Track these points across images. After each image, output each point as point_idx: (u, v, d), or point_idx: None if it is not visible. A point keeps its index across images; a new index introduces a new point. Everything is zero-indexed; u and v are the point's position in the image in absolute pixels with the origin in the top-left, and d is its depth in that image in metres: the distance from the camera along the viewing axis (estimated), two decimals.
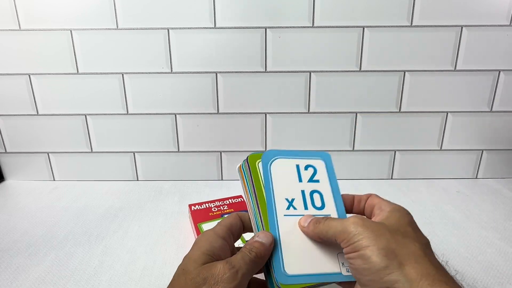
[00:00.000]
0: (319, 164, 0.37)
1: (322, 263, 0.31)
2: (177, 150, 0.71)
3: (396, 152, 0.71)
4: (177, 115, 0.69)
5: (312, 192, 0.35)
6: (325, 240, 0.31)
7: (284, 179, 0.35)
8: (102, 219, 0.58)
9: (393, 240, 0.27)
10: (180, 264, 0.29)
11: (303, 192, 0.35)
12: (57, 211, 0.61)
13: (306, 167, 0.36)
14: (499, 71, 0.66)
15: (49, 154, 0.71)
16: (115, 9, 0.62)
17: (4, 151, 0.71)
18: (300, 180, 0.36)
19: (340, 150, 0.71)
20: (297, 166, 0.36)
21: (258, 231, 0.32)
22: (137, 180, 0.73)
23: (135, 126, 0.69)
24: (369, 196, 0.34)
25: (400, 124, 0.69)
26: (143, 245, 0.51)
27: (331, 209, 0.34)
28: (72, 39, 0.64)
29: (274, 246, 0.31)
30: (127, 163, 0.72)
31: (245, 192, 0.35)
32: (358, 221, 0.28)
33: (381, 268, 0.25)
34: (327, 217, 0.31)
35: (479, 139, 0.70)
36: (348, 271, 0.30)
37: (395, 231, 0.28)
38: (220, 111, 0.69)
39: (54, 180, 0.73)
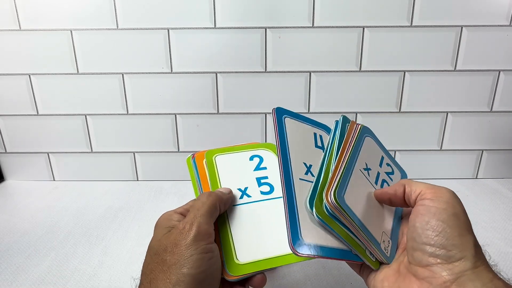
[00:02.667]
0: (397, 172, 0.38)
1: (371, 223, 0.30)
2: (177, 150, 0.71)
3: (396, 152, 0.71)
4: (177, 115, 0.69)
5: (384, 181, 0.35)
6: (406, 192, 0.29)
7: (369, 154, 0.35)
8: (102, 219, 0.58)
9: (472, 230, 0.27)
10: (148, 249, 0.29)
11: (378, 174, 0.35)
12: (57, 211, 0.61)
13: (388, 164, 0.37)
14: (499, 71, 0.66)
15: (49, 154, 0.71)
16: (115, 9, 0.62)
17: (4, 151, 0.71)
18: (381, 166, 0.36)
19: None
20: (382, 157, 0.37)
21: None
22: (137, 180, 0.73)
23: (135, 126, 0.69)
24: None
25: (400, 124, 0.69)
26: (143, 245, 0.51)
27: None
28: (72, 39, 0.64)
29: (345, 172, 0.30)
30: (127, 163, 0.72)
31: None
32: (454, 194, 0.28)
33: (459, 234, 0.25)
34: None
35: (479, 139, 0.70)
36: (385, 250, 0.30)
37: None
38: (220, 111, 0.69)
39: (54, 180, 0.73)
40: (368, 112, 0.69)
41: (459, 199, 0.27)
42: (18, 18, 0.62)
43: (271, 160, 0.37)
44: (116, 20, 0.63)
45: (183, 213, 0.31)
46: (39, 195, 0.67)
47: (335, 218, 0.29)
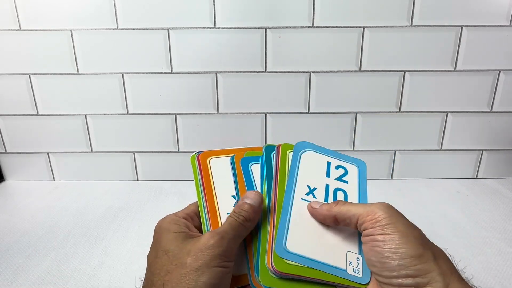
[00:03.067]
0: (352, 169, 0.36)
1: (328, 254, 0.29)
2: (177, 150, 0.71)
3: (396, 152, 0.71)
4: (177, 115, 0.69)
5: (336, 189, 0.34)
6: (341, 220, 0.29)
7: (312, 169, 0.35)
8: (102, 219, 0.58)
9: (424, 235, 0.27)
10: (152, 251, 0.29)
11: (327, 186, 0.34)
12: (57, 211, 0.61)
13: (337, 167, 0.36)
14: (499, 71, 0.66)
15: (49, 154, 0.71)
16: (115, 9, 0.62)
17: (4, 151, 0.71)
18: (328, 176, 0.35)
19: (340, 150, 0.71)
20: (328, 164, 0.36)
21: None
22: (137, 180, 0.73)
23: (135, 126, 0.69)
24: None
25: (400, 124, 0.69)
26: (143, 245, 0.51)
27: None
28: (72, 39, 0.64)
29: (280, 220, 0.30)
30: (127, 163, 0.72)
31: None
32: (388, 207, 0.27)
33: (416, 255, 0.25)
34: (346, 201, 0.30)
35: (479, 139, 0.70)
36: (355, 271, 0.28)
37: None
38: (220, 111, 0.69)
39: (54, 180, 0.73)
40: (368, 112, 0.69)
41: (396, 210, 0.28)
42: (18, 18, 0.62)
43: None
44: (116, 20, 0.63)
45: (186, 218, 0.31)
46: (39, 195, 0.67)
47: (289, 279, 0.28)
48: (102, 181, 0.73)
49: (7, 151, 0.71)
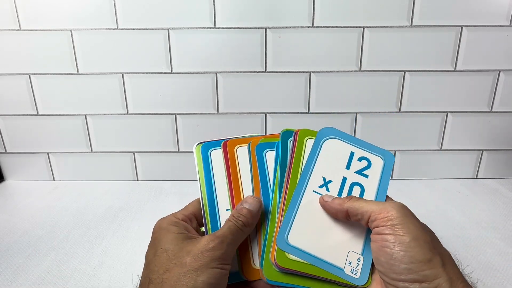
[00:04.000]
0: (377, 161, 0.34)
1: (328, 251, 0.29)
2: (177, 150, 0.71)
3: (396, 152, 0.71)
4: (177, 115, 0.69)
5: (353, 184, 0.32)
6: (353, 216, 0.28)
7: (331, 159, 0.33)
8: (102, 219, 0.58)
9: (435, 238, 0.26)
10: (151, 249, 0.29)
11: (344, 179, 0.32)
12: (57, 211, 0.61)
13: (361, 159, 0.33)
14: (499, 71, 0.66)
15: (49, 154, 0.71)
16: (115, 9, 0.62)
17: (4, 151, 0.71)
18: (348, 168, 0.33)
19: None
20: (351, 154, 0.34)
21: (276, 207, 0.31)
22: (137, 180, 0.73)
23: (135, 126, 0.69)
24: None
25: (400, 124, 0.69)
26: (143, 245, 0.51)
27: None
28: (72, 39, 0.64)
29: (287, 212, 0.30)
30: (127, 163, 0.72)
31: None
32: (402, 207, 0.27)
33: (425, 260, 0.24)
34: (360, 197, 0.30)
35: (479, 139, 0.70)
36: (352, 272, 0.28)
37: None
38: (220, 111, 0.69)
39: (54, 180, 0.73)
40: (368, 112, 0.69)
41: (409, 211, 0.27)
42: (18, 18, 0.62)
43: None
44: (116, 20, 0.63)
45: (185, 220, 0.31)
46: (39, 195, 0.67)
47: (289, 273, 0.28)
48: (102, 181, 0.73)
49: (7, 151, 0.71)
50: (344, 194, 0.31)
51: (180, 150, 0.71)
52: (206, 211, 0.32)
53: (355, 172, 0.33)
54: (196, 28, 0.63)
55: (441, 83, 0.66)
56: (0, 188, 0.70)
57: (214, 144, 0.35)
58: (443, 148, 0.71)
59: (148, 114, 0.69)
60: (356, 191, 0.32)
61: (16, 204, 0.64)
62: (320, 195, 0.31)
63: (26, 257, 0.48)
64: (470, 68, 0.65)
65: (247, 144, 0.34)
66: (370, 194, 0.32)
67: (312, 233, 0.29)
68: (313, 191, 0.31)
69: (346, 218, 0.29)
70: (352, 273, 0.28)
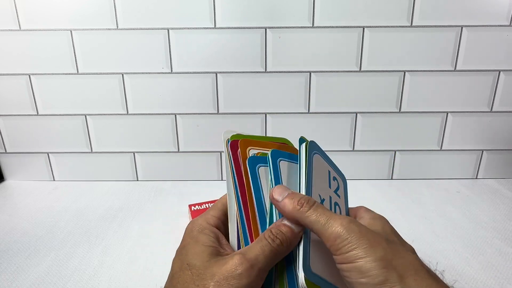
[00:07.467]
0: (340, 182, 0.34)
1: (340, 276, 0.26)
2: (177, 150, 0.71)
3: (396, 152, 0.71)
4: (177, 115, 0.69)
5: (335, 204, 0.31)
6: (304, 225, 0.26)
7: (320, 177, 0.30)
8: (102, 219, 0.58)
9: (389, 250, 0.24)
10: (178, 259, 0.27)
11: (330, 198, 0.30)
12: (57, 211, 0.61)
13: (334, 178, 0.33)
14: (499, 71, 0.66)
15: (49, 154, 0.71)
16: (115, 9, 0.62)
17: (4, 151, 0.71)
18: (330, 187, 0.31)
19: (340, 150, 0.71)
20: (329, 172, 0.32)
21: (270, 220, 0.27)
22: (137, 180, 0.73)
23: (135, 126, 0.69)
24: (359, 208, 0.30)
25: (400, 124, 0.69)
26: (143, 245, 0.51)
27: None
28: (72, 39, 0.64)
29: (303, 237, 0.26)
30: (127, 163, 0.72)
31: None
32: (351, 226, 0.24)
33: (380, 281, 0.22)
34: (318, 204, 0.26)
35: (479, 139, 0.70)
36: None
37: (387, 239, 0.25)
38: (220, 111, 0.69)
39: (54, 180, 0.73)
40: (368, 112, 0.69)
41: (356, 225, 0.24)
42: (18, 18, 0.62)
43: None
44: (116, 20, 0.63)
45: (218, 226, 0.29)
46: (39, 195, 0.67)
47: None
48: (102, 181, 0.73)
49: (7, 151, 0.71)
50: (333, 208, 0.30)
51: (180, 150, 0.71)
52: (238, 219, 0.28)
53: (333, 192, 0.31)
54: (196, 28, 0.63)
55: (441, 83, 0.66)
56: (0, 188, 0.70)
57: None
58: (443, 148, 0.71)
59: (148, 114, 0.69)
60: (337, 212, 0.30)
61: (16, 204, 0.64)
62: None
63: (26, 257, 0.48)
64: (470, 68, 0.65)
65: (262, 149, 0.31)
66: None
67: (326, 257, 0.26)
68: None
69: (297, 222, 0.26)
70: None
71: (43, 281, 0.43)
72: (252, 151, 0.31)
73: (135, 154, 0.72)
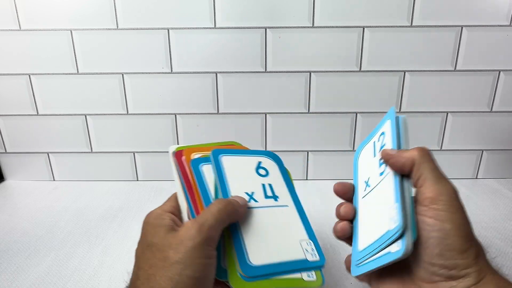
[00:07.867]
0: (266, 161, 0.38)
1: (285, 251, 0.30)
2: None
3: None
4: (177, 115, 0.69)
5: (269, 185, 0.35)
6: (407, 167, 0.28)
7: (240, 174, 0.35)
8: (102, 219, 0.58)
9: (472, 228, 0.26)
10: (139, 245, 0.29)
11: (263, 185, 0.35)
12: (57, 211, 0.61)
13: (260, 167, 0.37)
14: (499, 71, 0.66)
15: (49, 154, 0.71)
16: (115, 9, 0.62)
17: (4, 151, 0.71)
18: (260, 175, 0.36)
19: (340, 150, 0.71)
20: (259, 163, 0.37)
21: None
22: (137, 180, 0.73)
23: (135, 126, 0.69)
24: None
25: None
26: None
27: (287, 200, 0.35)
28: (72, 39, 0.64)
29: (235, 237, 0.29)
30: (127, 163, 0.72)
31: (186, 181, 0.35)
32: (454, 193, 0.26)
33: (461, 250, 0.24)
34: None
35: (479, 139, 0.70)
36: (314, 256, 0.30)
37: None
38: (220, 111, 0.69)
39: (54, 180, 0.73)
40: (368, 112, 0.69)
41: (457, 198, 0.27)
42: (18, 18, 0.62)
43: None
44: (116, 20, 0.63)
45: (172, 211, 0.31)
46: (39, 195, 0.67)
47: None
48: (102, 181, 0.73)
49: (7, 151, 0.71)
50: (267, 196, 0.34)
51: None
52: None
53: (262, 176, 0.36)
54: (196, 28, 0.63)
55: (441, 83, 0.66)
56: (0, 188, 0.70)
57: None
58: (443, 148, 0.71)
59: (148, 114, 0.69)
60: (274, 190, 0.35)
61: (16, 204, 0.64)
62: (253, 208, 0.32)
63: (26, 257, 0.48)
64: (470, 68, 0.65)
65: (206, 153, 0.36)
66: (279, 190, 0.35)
67: (264, 243, 0.30)
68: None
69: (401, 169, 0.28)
70: (314, 257, 0.30)
71: (43, 281, 0.43)
72: (197, 156, 0.36)
73: (135, 154, 0.72)
